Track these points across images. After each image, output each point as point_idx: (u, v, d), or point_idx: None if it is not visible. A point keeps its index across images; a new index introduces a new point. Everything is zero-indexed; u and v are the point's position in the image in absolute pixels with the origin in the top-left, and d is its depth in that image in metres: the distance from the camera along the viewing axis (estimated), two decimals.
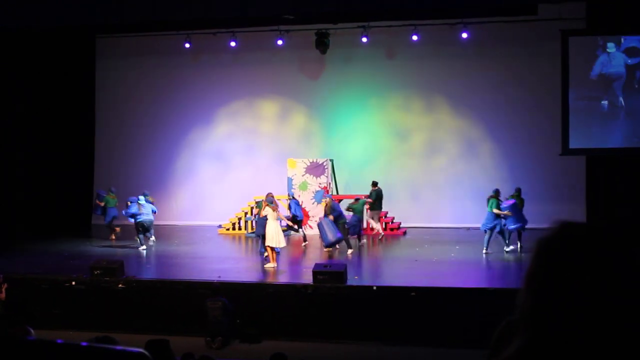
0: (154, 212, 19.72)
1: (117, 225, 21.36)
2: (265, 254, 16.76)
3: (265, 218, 16.80)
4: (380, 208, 21.16)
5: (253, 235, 19.09)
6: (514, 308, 1.57)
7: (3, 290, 14.90)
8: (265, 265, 16.65)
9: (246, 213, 22.42)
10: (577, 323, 1.43)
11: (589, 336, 1.42)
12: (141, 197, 19.66)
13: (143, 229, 19.42)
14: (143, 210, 19.38)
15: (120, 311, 14.91)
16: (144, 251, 19.12)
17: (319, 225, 18.27)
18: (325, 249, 18.57)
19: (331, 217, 18.31)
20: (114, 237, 21.29)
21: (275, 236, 16.53)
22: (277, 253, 16.82)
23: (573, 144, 20.67)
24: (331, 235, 17.91)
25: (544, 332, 1.46)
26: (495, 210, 17.98)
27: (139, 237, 19.45)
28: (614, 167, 20.77)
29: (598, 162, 21.11)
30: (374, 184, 20.99)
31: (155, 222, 24.27)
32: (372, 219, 21.08)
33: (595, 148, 20.72)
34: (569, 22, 20.82)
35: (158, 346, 7.44)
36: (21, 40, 21.59)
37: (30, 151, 22.92)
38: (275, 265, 16.54)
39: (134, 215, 19.38)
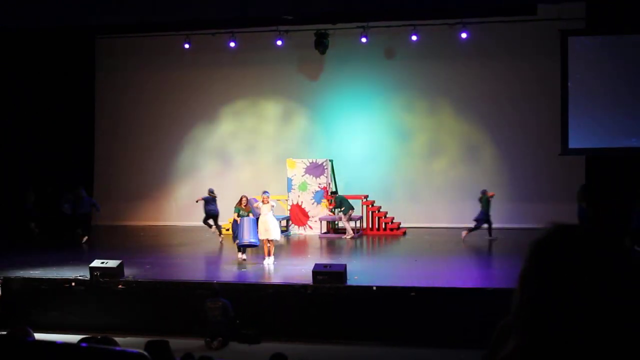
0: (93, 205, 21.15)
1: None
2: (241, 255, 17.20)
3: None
4: (351, 209, 21.27)
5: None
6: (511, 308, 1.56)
7: None
8: (265, 262, 16.77)
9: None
10: (572, 323, 1.42)
11: (584, 336, 1.42)
12: (82, 191, 21.08)
13: (83, 222, 20.87)
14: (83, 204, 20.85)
15: (119, 312, 14.90)
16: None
17: (240, 223, 17.13)
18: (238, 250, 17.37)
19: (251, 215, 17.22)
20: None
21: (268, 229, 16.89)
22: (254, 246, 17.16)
23: (572, 144, 20.68)
24: (247, 237, 16.91)
25: (539, 333, 1.45)
26: None
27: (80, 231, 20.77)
28: (614, 167, 20.76)
29: (597, 162, 21.11)
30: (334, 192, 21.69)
31: (156, 223, 24.40)
32: (342, 220, 21.37)
33: (595, 148, 20.72)
34: (568, 22, 20.84)
35: (158, 347, 7.44)
36: (21, 41, 21.58)
37: (30, 151, 22.91)
38: (273, 259, 16.82)
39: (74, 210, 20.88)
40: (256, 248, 17.43)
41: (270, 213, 17.08)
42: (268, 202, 17.06)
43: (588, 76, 20.59)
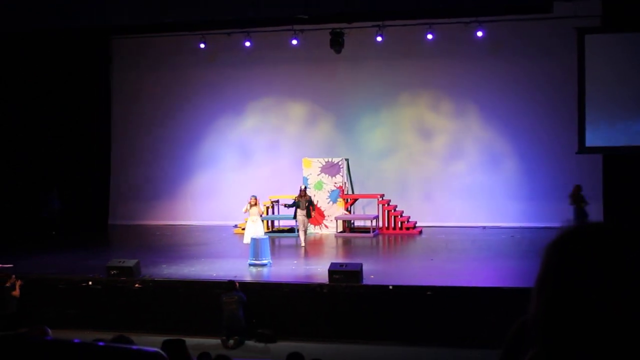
0: None
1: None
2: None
3: None
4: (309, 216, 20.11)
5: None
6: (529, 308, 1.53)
7: (17, 287, 15.08)
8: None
9: (261, 214, 22.42)
10: (594, 329, 1.38)
11: (607, 343, 1.38)
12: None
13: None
14: None
15: (136, 311, 14.97)
16: None
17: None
18: None
19: None
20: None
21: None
22: None
23: (589, 142, 20.56)
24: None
25: (559, 340, 1.42)
26: None
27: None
28: (631, 166, 20.64)
29: (615, 160, 20.98)
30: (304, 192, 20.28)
31: (171, 222, 24.44)
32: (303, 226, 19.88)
33: (612, 146, 20.59)
34: (585, 20, 20.71)
35: (174, 346, 7.46)
36: (37, 43, 21.69)
37: (46, 151, 23.02)
38: None
39: None
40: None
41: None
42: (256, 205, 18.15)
43: (605, 74, 20.45)
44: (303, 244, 19.56)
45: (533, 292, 1.49)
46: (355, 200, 23.12)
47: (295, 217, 19.81)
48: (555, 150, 22.08)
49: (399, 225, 21.96)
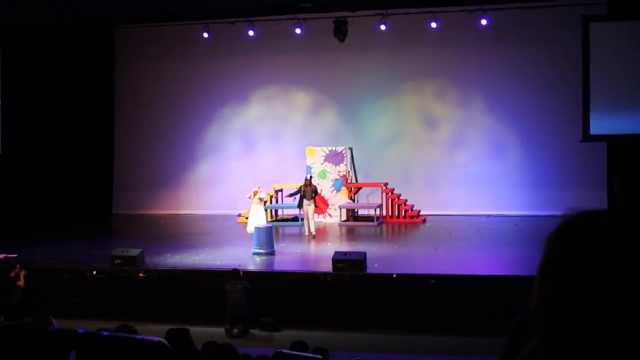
0: None
1: None
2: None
3: None
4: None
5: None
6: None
7: (22, 277, 15.13)
8: None
9: (265, 202, 22.44)
10: (596, 318, 1.37)
11: (609, 332, 1.37)
12: None
13: None
14: None
15: (140, 300, 14.99)
16: None
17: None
18: None
19: None
20: None
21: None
22: None
23: (594, 130, 20.52)
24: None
25: (561, 330, 1.40)
26: None
27: None
28: (635, 153, 20.60)
29: (619, 148, 20.95)
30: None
31: (175, 211, 24.46)
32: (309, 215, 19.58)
33: (616, 134, 20.55)
34: (589, 8, 20.64)
35: (178, 335, 7.46)
36: (41, 33, 21.66)
37: (50, 141, 23.02)
38: None
39: None
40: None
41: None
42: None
43: (610, 62, 20.39)
44: (310, 232, 19.43)
45: (535, 281, 1.47)
46: (359, 188, 23.12)
47: (300, 206, 19.79)
48: (559, 138, 22.04)
49: (403, 213, 21.97)
